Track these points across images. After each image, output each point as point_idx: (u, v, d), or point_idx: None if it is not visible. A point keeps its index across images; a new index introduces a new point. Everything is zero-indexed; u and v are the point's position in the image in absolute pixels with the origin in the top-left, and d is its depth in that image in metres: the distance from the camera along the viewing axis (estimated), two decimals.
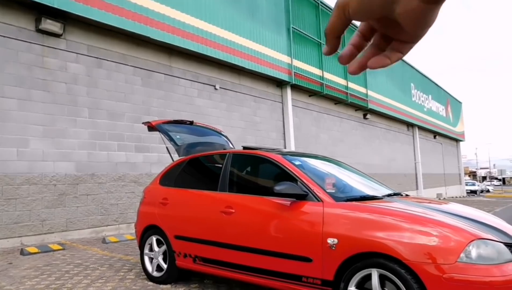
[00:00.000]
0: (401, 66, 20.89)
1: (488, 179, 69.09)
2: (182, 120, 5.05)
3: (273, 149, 3.97)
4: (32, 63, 6.84)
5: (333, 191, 3.26)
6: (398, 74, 20.39)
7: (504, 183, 67.25)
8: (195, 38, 9.22)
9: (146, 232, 4.39)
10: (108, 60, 7.95)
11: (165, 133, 4.76)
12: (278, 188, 3.11)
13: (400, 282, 2.57)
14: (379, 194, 3.39)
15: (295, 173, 3.33)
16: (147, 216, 4.38)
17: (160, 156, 8.74)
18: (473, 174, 76.63)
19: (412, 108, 21.26)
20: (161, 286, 4.09)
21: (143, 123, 5.00)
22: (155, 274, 4.21)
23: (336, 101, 15.34)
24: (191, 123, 5.11)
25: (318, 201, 3.07)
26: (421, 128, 23.05)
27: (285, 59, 12.32)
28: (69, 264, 5.14)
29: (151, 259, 4.33)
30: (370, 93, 16.95)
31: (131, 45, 8.34)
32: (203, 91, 9.95)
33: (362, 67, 0.52)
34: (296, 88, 13.05)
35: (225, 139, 5.40)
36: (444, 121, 26.52)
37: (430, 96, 24.26)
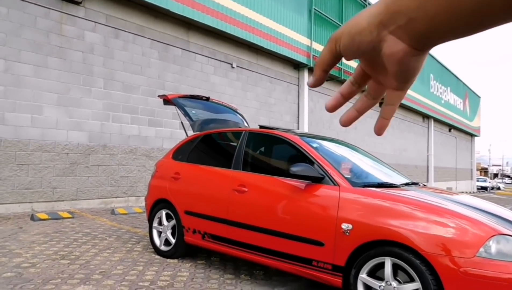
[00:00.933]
0: None
1: (499, 176, 68.18)
2: (198, 96, 4.95)
3: (290, 130, 3.87)
4: (50, 29, 6.77)
5: (350, 176, 3.16)
6: None
7: None
8: (214, 14, 9.04)
9: (156, 205, 4.36)
10: (125, 31, 7.85)
11: (181, 107, 4.67)
12: (294, 169, 3.02)
13: (414, 273, 2.50)
14: (397, 182, 3.29)
15: (312, 155, 3.23)
16: (158, 190, 4.34)
17: (173, 131, 8.70)
18: (484, 171, 75.59)
19: (429, 100, 20.82)
20: (168, 260, 4.09)
21: (158, 96, 4.92)
22: (163, 248, 4.20)
23: None
24: (207, 99, 5.01)
25: (335, 185, 2.98)
26: (436, 120, 22.63)
27: (305, 41, 12.06)
28: (77, 232, 5.17)
29: (159, 233, 4.32)
30: None
31: (149, 17, 8.21)
32: (219, 68, 9.82)
33: (352, 119, 0.54)
34: (313, 71, 12.80)
35: (240, 117, 5.30)
36: (460, 115, 25.99)
37: (448, 88, 23.72)
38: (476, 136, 30.63)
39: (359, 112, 0.54)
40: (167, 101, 4.82)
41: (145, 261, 3.98)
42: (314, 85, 0.51)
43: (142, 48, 8.17)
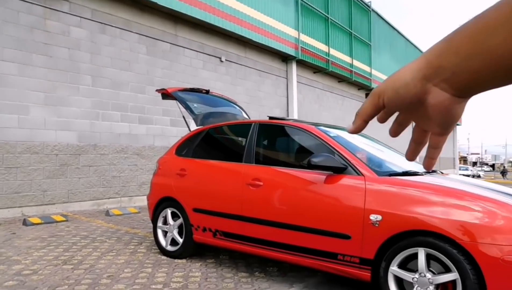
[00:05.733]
0: (405, 46, 20.55)
1: (478, 164, 70.03)
2: (198, 89, 4.76)
3: (301, 120, 3.73)
4: (33, 25, 6.43)
5: (372, 165, 3.05)
6: (402, 53, 20.08)
7: (493, 169, 68.20)
8: (202, 6, 8.80)
9: (160, 204, 4.16)
10: (112, 26, 7.54)
11: (182, 101, 4.47)
12: (315, 160, 2.89)
13: (451, 263, 2.40)
14: (419, 170, 3.19)
15: (331, 145, 3.11)
16: (162, 188, 4.14)
17: (164, 128, 8.46)
18: (463, 159, 77.34)
19: None
20: (176, 260, 3.91)
21: (157, 90, 4.70)
22: (169, 248, 4.01)
23: (340, 79, 15.05)
24: (207, 92, 4.82)
25: (358, 175, 2.86)
26: None
27: (292, 33, 11.93)
28: (75, 236, 4.92)
29: (164, 233, 4.13)
30: (374, 72, 16.66)
31: (136, 10, 7.92)
32: (208, 62, 9.60)
33: (417, 153, 0.58)
34: (301, 63, 12.72)
35: (240, 110, 5.13)
36: None
37: None
38: (458, 125, 31.23)
39: (413, 154, 0.58)
40: (166, 95, 4.62)
41: (152, 263, 3.79)
42: (354, 132, 0.54)
43: (129, 43, 7.88)
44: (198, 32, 9.27)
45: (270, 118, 3.77)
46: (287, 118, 3.77)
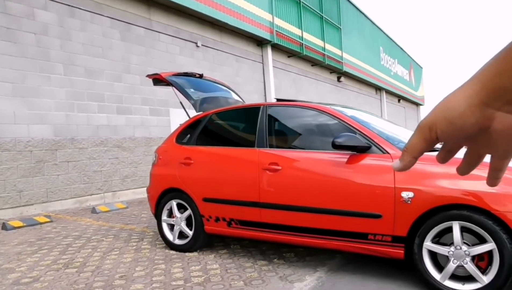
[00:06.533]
0: (371, 29, 20.83)
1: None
2: (192, 73, 4.50)
3: (307, 101, 3.60)
4: None
5: (395, 142, 2.98)
6: (369, 36, 20.33)
7: None
8: None
9: (163, 196, 3.92)
10: (81, 9, 7.03)
11: (178, 86, 4.20)
12: (339, 140, 2.77)
13: (487, 234, 2.39)
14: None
15: (351, 124, 3.00)
16: (165, 179, 3.89)
17: (143, 118, 8.08)
18: None
19: (380, 72, 21.45)
20: (187, 254, 3.70)
21: (148, 76, 4.40)
22: (178, 241, 3.80)
23: (313, 63, 15.02)
24: (201, 76, 4.58)
25: (383, 153, 2.78)
26: (388, 92, 23.45)
27: (267, 16, 11.71)
28: (66, 237, 4.59)
29: (171, 226, 3.90)
30: (345, 55, 16.77)
31: None
32: (185, 48, 9.23)
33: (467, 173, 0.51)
34: (275, 48, 12.54)
35: (234, 94, 4.93)
36: (407, 85, 27.18)
37: (396, 60, 24.60)
38: (421, 105, 32.32)
39: (465, 173, 0.51)
40: (158, 80, 4.34)
41: (162, 258, 3.58)
42: (402, 170, 0.47)
43: (102, 28, 7.39)
44: (173, 16, 8.87)
45: (278, 100, 3.62)
46: (295, 99, 3.62)
